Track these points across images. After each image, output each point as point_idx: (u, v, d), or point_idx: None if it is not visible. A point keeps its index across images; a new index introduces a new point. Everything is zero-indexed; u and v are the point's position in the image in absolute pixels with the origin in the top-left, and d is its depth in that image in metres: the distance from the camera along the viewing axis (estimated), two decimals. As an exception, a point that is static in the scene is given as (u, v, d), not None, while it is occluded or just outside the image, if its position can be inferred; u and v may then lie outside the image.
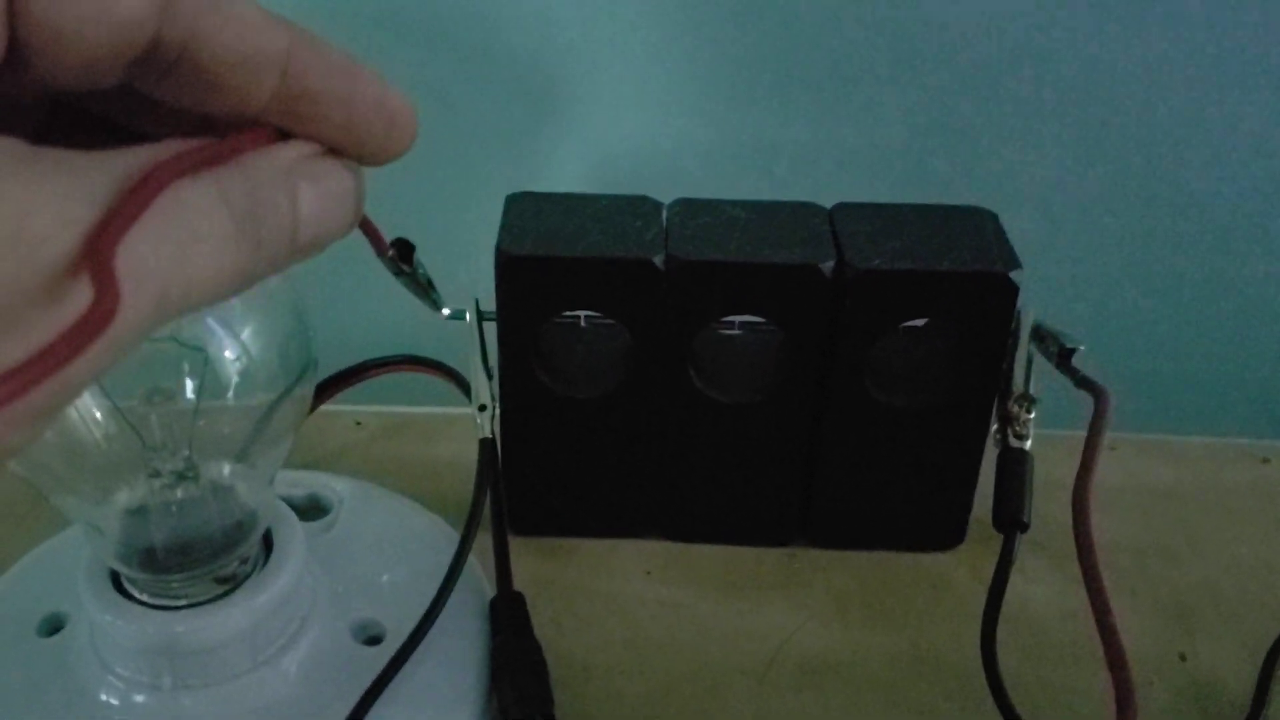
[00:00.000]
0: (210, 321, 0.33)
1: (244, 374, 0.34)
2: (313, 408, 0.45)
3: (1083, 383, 0.40)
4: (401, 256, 0.34)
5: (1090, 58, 0.55)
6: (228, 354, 0.33)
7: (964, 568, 0.46)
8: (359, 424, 0.54)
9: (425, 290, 0.36)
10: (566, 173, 0.59)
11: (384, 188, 0.26)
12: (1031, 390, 0.42)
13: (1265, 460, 0.53)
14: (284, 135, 0.22)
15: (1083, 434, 0.40)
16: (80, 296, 0.17)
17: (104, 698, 0.36)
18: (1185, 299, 0.62)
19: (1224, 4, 0.54)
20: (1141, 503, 0.50)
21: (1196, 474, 0.52)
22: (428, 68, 0.56)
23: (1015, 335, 0.42)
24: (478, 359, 0.44)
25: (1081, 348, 0.41)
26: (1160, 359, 0.64)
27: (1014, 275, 0.40)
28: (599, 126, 0.59)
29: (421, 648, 0.38)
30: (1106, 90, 0.56)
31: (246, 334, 0.34)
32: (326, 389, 0.48)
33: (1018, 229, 0.43)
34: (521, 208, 0.43)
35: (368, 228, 0.27)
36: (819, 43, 0.56)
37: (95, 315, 0.17)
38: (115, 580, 0.36)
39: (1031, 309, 0.42)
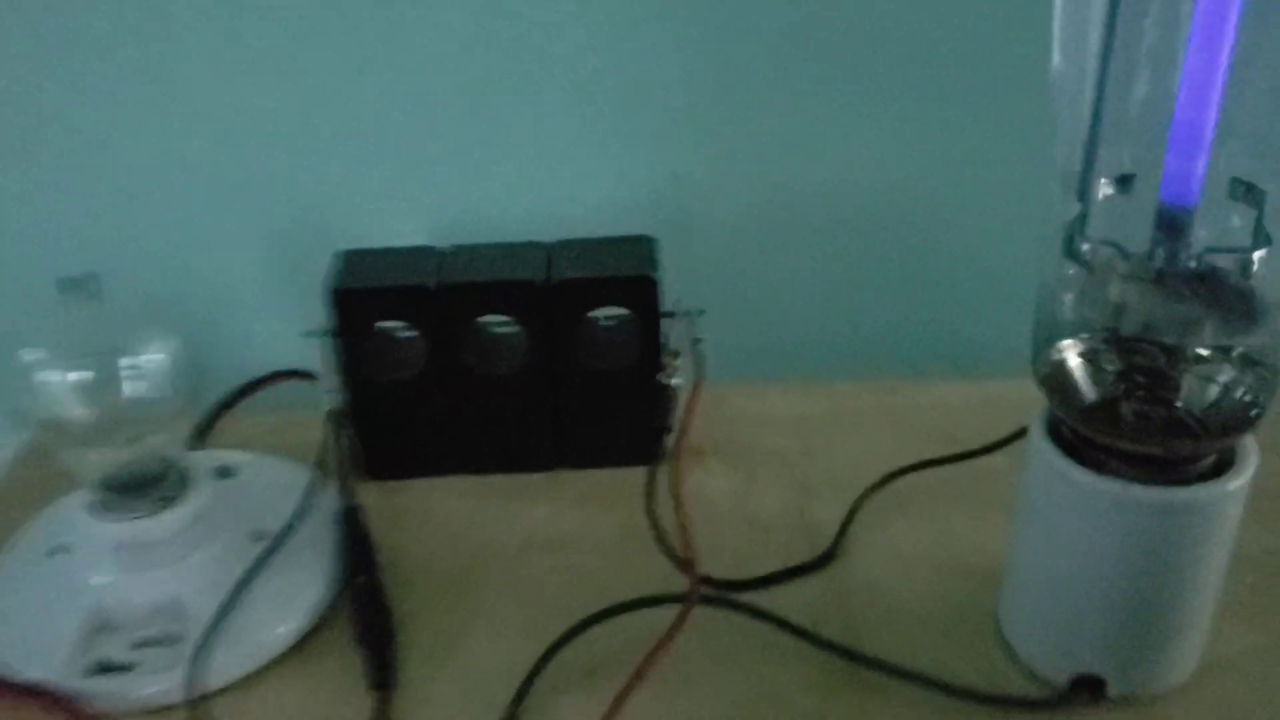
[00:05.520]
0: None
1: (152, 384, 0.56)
2: (218, 417, 0.68)
3: (695, 344, 0.63)
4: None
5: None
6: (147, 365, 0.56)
7: (665, 472, 0.69)
8: (258, 421, 0.76)
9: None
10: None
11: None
12: (674, 348, 0.65)
13: (893, 392, 0.76)
14: None
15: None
16: None
17: (93, 581, 0.58)
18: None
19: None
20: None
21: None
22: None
23: (664, 314, 0.65)
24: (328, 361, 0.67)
25: (699, 314, 0.64)
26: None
27: (654, 276, 0.63)
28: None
29: (293, 541, 0.60)
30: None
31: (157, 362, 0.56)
32: (233, 401, 0.71)
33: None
34: (350, 259, 0.66)
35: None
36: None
37: None
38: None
39: (674, 296, 0.65)
